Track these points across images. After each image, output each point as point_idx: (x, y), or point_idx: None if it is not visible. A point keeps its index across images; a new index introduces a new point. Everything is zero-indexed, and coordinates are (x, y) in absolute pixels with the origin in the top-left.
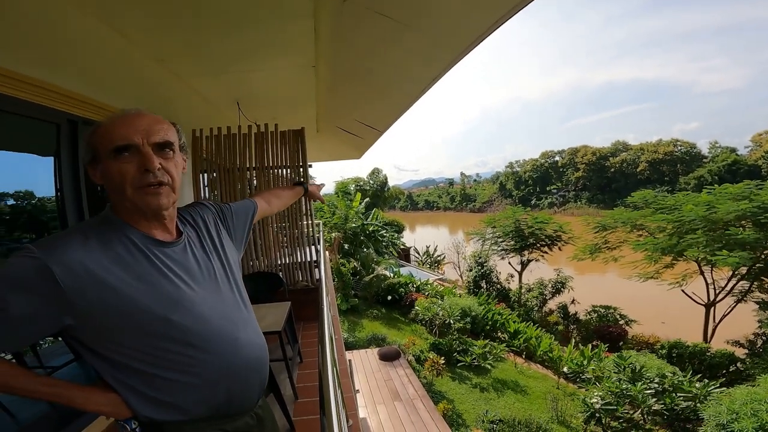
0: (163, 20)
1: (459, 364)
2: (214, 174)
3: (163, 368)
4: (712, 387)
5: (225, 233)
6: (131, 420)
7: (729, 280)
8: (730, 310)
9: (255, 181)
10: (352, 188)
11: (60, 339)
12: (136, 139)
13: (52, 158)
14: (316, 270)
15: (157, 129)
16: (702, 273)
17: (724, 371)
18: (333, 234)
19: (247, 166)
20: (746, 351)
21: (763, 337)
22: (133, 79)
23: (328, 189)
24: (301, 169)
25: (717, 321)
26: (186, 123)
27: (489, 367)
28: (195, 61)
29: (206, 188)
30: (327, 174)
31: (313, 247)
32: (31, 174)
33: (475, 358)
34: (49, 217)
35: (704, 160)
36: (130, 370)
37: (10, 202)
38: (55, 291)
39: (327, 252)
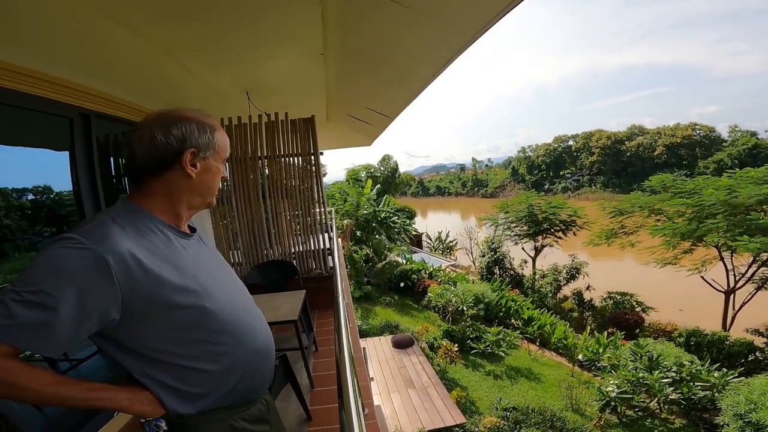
0: (170, 13)
1: (472, 352)
2: (226, 164)
3: (196, 359)
4: (731, 376)
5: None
6: (161, 418)
7: (749, 266)
8: (750, 298)
9: (267, 170)
10: (363, 175)
11: None
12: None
13: (67, 153)
14: (330, 257)
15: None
16: (722, 259)
17: (743, 360)
18: (345, 221)
19: (259, 155)
20: (766, 340)
21: None
22: (143, 72)
23: (340, 176)
24: (312, 157)
25: (737, 308)
26: None
27: (502, 354)
28: (203, 53)
29: None
30: (338, 161)
31: (325, 235)
32: (47, 169)
33: (488, 346)
34: (68, 211)
35: (724, 144)
36: (162, 365)
37: (30, 197)
38: (110, 284)
39: (339, 239)
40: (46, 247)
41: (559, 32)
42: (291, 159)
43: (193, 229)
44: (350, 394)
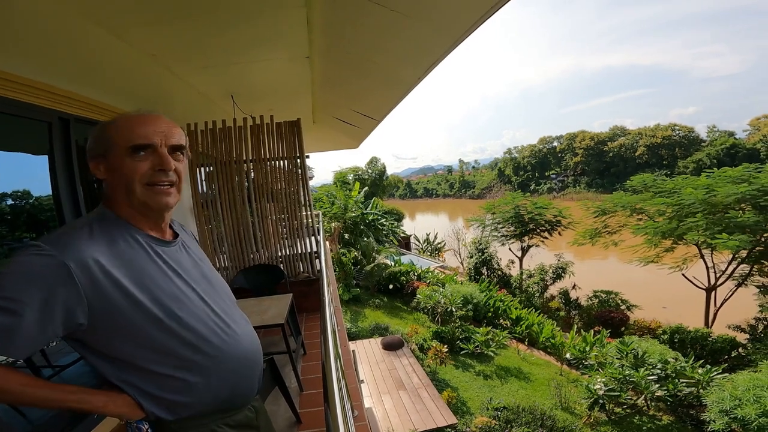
0: (154, 17)
1: (462, 352)
2: (211, 167)
3: (171, 367)
4: (715, 373)
5: (206, 258)
6: (142, 421)
7: (729, 263)
8: (731, 295)
9: (252, 173)
10: (350, 178)
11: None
12: (155, 139)
13: (46, 157)
14: (317, 260)
15: (174, 132)
16: (702, 256)
17: (726, 357)
18: (333, 224)
19: (244, 158)
20: (748, 336)
21: (764, 322)
22: (126, 76)
23: (327, 179)
24: (299, 160)
25: (718, 305)
26: (181, 117)
27: (492, 354)
28: (187, 56)
29: (204, 182)
30: (325, 164)
31: (313, 238)
32: (26, 173)
33: (477, 346)
34: (48, 216)
35: (703, 144)
36: (136, 370)
37: (9, 202)
38: (73, 290)
39: (327, 242)
40: (15, 255)
41: (546, 34)
42: (277, 162)
43: (176, 234)
44: (336, 396)
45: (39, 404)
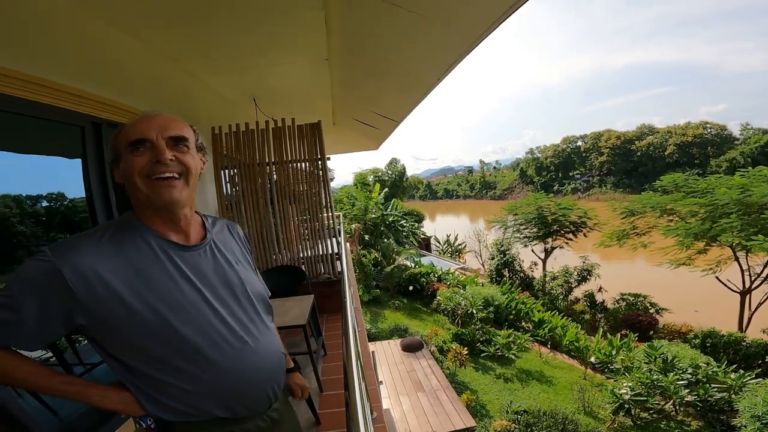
0: (176, 22)
1: (482, 355)
2: (235, 170)
3: (165, 373)
4: (748, 378)
5: (246, 262)
6: (146, 417)
7: (765, 266)
8: (767, 298)
9: (275, 176)
10: (370, 179)
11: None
12: (150, 133)
13: (79, 160)
14: (338, 262)
15: (172, 125)
16: (737, 259)
17: (761, 361)
18: (353, 225)
19: (267, 161)
20: None
21: None
22: (151, 80)
23: (347, 180)
24: (320, 162)
25: (753, 309)
26: (205, 121)
27: (513, 357)
28: (208, 60)
29: (228, 184)
30: (345, 166)
31: (334, 239)
32: (61, 176)
33: (498, 348)
34: (81, 217)
35: (736, 142)
36: (140, 373)
37: (45, 204)
38: (67, 294)
39: (348, 243)
40: (29, 258)
41: (565, 32)
42: (298, 164)
43: (205, 236)
44: (357, 397)
45: (43, 392)
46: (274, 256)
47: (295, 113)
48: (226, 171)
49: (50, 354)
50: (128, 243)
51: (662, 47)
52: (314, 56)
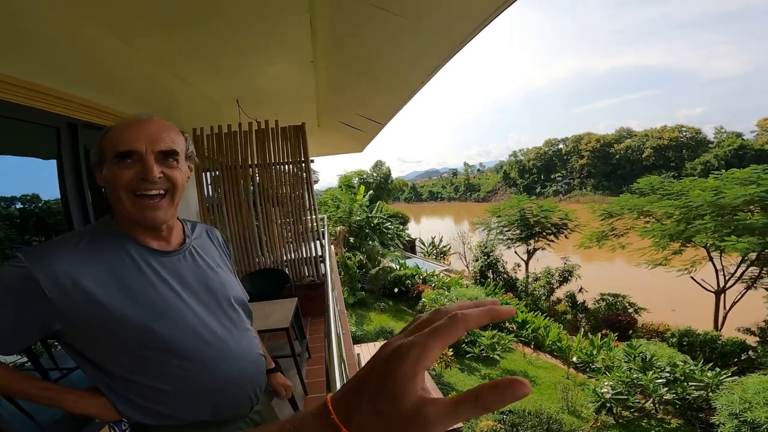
0: (161, 22)
1: (467, 356)
2: (217, 172)
3: (146, 376)
4: (724, 376)
5: (225, 266)
6: (121, 422)
7: (738, 266)
8: (740, 297)
9: (258, 178)
10: (355, 181)
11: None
12: (139, 146)
13: (54, 162)
14: (322, 265)
15: (163, 137)
16: (711, 259)
17: (736, 359)
18: (338, 228)
19: (249, 163)
20: (758, 339)
21: None
22: (132, 80)
23: (332, 183)
24: (303, 164)
25: (727, 308)
26: (187, 122)
27: (497, 357)
28: (193, 61)
29: (209, 186)
30: (330, 168)
31: (318, 242)
32: (36, 178)
33: (483, 349)
34: (57, 219)
35: (710, 145)
36: (116, 377)
37: (19, 206)
38: (42, 300)
39: (332, 246)
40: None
41: (550, 36)
42: (282, 167)
43: (185, 241)
44: None
45: (17, 396)
46: (257, 259)
47: (279, 115)
48: (208, 173)
49: (25, 359)
50: (107, 250)
51: (645, 52)
52: (299, 58)
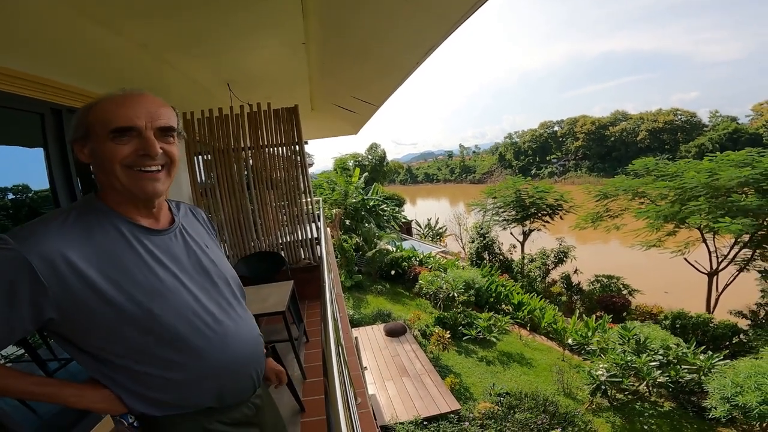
0: (144, 6)
1: (464, 338)
2: (209, 156)
3: (147, 364)
4: (716, 359)
5: (214, 245)
6: (127, 415)
7: (731, 247)
8: (733, 280)
9: (251, 161)
10: (350, 164)
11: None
12: (139, 122)
13: (41, 149)
14: (318, 247)
15: (161, 113)
16: (704, 240)
17: (728, 342)
18: (333, 210)
19: (242, 146)
20: (749, 322)
21: (766, 308)
22: (117, 65)
23: (327, 166)
24: (297, 147)
25: (720, 291)
26: (176, 107)
27: (494, 339)
28: (179, 44)
29: (202, 170)
30: (325, 151)
31: (313, 224)
32: (24, 166)
33: (480, 331)
34: (49, 209)
35: (705, 129)
36: (116, 367)
37: (11, 196)
38: (35, 284)
39: (328, 228)
40: None
41: (545, 19)
42: (275, 149)
43: (174, 220)
44: (336, 383)
45: (13, 395)
46: (253, 243)
47: (272, 99)
48: (200, 157)
49: (22, 350)
50: (95, 228)
51: (640, 35)
52: (291, 40)
